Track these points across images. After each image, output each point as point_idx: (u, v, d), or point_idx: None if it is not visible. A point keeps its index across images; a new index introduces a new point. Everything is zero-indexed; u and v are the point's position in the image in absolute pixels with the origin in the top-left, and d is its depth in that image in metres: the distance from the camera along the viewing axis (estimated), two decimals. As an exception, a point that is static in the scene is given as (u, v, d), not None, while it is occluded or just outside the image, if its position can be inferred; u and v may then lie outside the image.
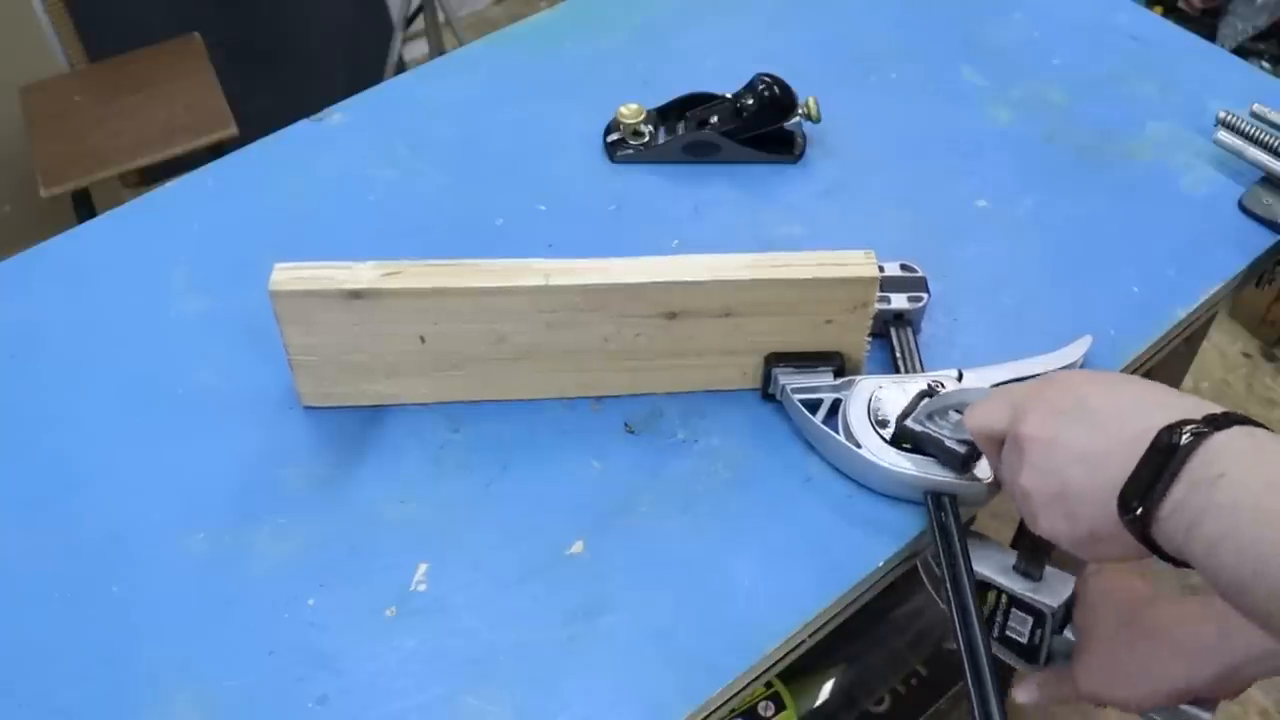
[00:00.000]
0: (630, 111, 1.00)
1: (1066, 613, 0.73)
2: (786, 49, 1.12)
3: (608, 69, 1.11)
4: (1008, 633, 0.74)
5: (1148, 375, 0.90)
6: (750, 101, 0.97)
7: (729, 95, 1.00)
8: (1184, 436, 0.52)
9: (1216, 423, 0.53)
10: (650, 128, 1.01)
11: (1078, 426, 0.59)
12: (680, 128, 1.02)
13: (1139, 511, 0.53)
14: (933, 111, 1.06)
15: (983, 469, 0.72)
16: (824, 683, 1.16)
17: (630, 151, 1.01)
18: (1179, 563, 0.54)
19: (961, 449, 0.71)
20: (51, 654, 0.69)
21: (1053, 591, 0.72)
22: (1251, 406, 2.05)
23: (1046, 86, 1.08)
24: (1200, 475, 0.52)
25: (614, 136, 1.02)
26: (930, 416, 0.73)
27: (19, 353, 0.87)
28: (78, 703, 0.67)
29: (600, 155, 1.02)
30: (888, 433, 0.75)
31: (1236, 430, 0.53)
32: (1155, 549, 0.54)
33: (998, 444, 0.66)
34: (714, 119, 1.00)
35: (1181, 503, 0.52)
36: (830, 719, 1.18)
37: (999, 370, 0.79)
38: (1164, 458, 0.53)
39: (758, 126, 0.98)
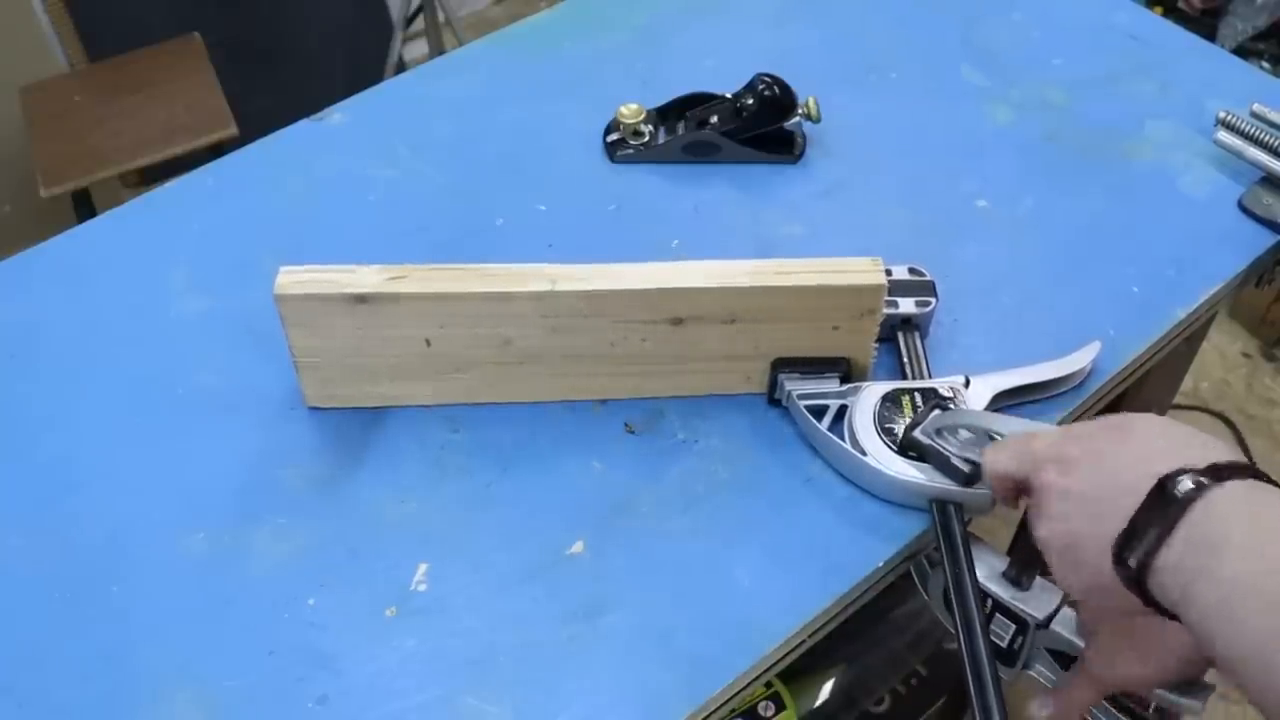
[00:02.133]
0: (630, 111, 1.00)
1: (1049, 625, 0.72)
2: (786, 49, 1.12)
3: (608, 69, 1.11)
4: (989, 635, 0.74)
5: (1147, 375, 0.91)
6: (750, 101, 0.97)
7: (729, 95, 1.00)
8: (1182, 487, 0.52)
9: (1219, 473, 0.52)
10: (650, 128, 1.01)
11: (1088, 475, 0.58)
12: (680, 128, 1.02)
13: (1133, 565, 0.53)
14: (933, 111, 1.06)
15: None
16: (824, 683, 1.16)
17: (630, 151, 1.01)
18: (1174, 617, 0.53)
19: (966, 467, 0.71)
20: (51, 654, 0.69)
21: (1039, 603, 0.72)
22: (1251, 406, 2.05)
23: (1046, 86, 1.08)
24: (1198, 535, 0.51)
25: (614, 136, 1.02)
26: (939, 431, 0.73)
27: (19, 353, 0.87)
28: (78, 703, 0.67)
29: (600, 155, 1.02)
30: (893, 440, 0.75)
31: (1238, 485, 0.51)
32: (1151, 603, 0.54)
33: (1013, 491, 0.66)
34: (714, 119, 1.00)
35: (1178, 564, 0.51)
36: (830, 719, 1.18)
37: (1007, 376, 0.79)
38: (1161, 509, 0.52)
39: (757, 126, 0.98)
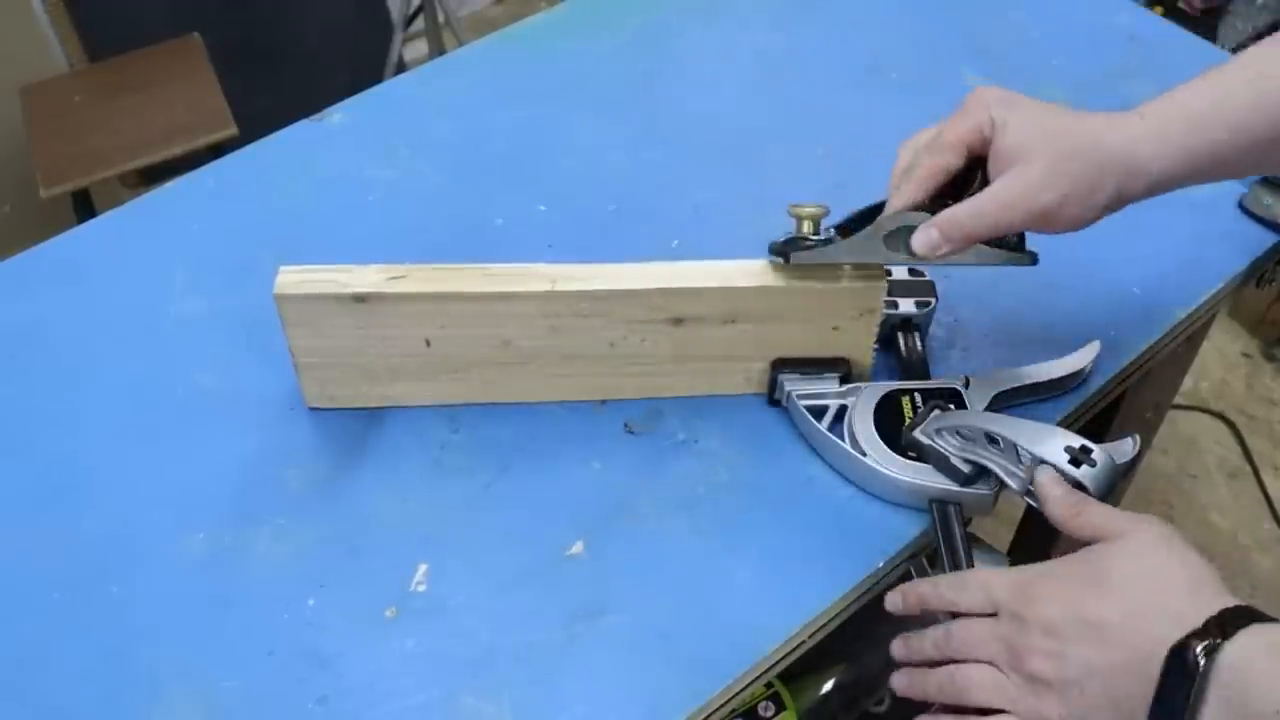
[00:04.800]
0: (809, 213, 0.76)
1: None
2: (787, 50, 1.12)
3: (608, 69, 1.11)
4: None
5: (1147, 375, 0.91)
6: None
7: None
8: (1196, 655, 0.52)
9: (1224, 629, 0.52)
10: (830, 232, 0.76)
11: (1082, 642, 0.57)
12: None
13: None
14: (933, 112, 1.06)
15: (987, 481, 0.72)
16: (824, 683, 1.16)
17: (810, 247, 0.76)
18: None
19: (965, 468, 0.71)
20: (51, 654, 0.69)
21: None
22: (1251, 406, 2.05)
23: (1046, 86, 1.08)
24: (1226, 695, 0.51)
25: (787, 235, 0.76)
26: (939, 432, 0.73)
27: (19, 353, 0.87)
28: (78, 703, 0.67)
29: (600, 156, 1.02)
30: (893, 440, 0.75)
31: (1246, 637, 0.52)
32: None
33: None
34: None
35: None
36: (830, 719, 1.18)
37: (1006, 376, 0.79)
38: (1183, 682, 0.52)
39: None
